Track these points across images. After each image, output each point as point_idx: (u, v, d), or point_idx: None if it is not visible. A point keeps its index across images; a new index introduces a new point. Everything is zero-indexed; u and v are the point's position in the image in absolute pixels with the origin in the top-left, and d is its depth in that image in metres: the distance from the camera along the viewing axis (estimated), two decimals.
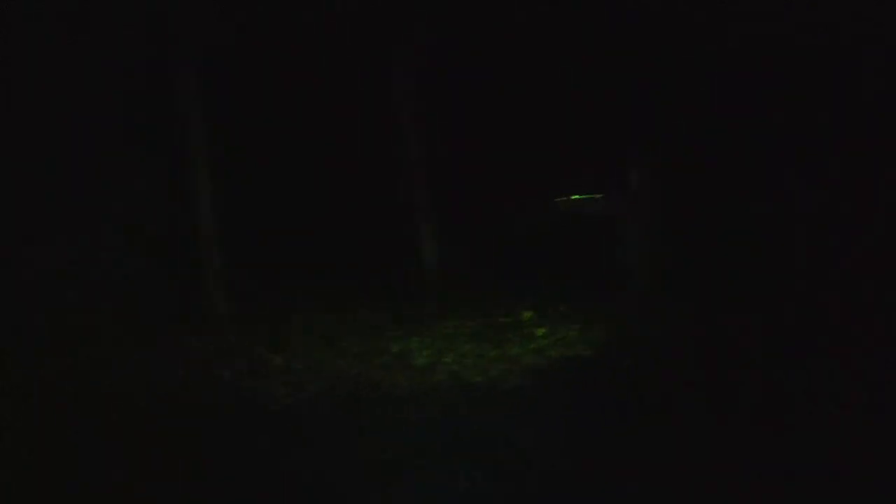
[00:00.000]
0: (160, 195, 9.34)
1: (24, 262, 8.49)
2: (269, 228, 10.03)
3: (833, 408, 4.30)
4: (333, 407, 5.28)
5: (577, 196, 5.75)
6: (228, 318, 8.66)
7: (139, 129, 9.23)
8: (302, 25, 9.62)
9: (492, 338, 6.92)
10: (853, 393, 4.47)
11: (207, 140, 8.92)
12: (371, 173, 10.26)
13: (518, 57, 9.53)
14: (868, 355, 4.91)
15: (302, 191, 10.10)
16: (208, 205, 8.96)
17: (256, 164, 10.06)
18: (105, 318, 8.16)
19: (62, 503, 3.89)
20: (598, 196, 5.75)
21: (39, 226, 8.72)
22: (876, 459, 3.39)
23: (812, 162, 7.52)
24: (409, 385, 5.76)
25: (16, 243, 8.50)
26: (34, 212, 8.69)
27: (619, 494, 3.55)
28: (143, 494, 3.90)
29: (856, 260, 6.58)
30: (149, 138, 9.25)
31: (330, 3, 9.49)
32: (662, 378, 5.13)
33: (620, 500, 3.51)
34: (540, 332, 6.99)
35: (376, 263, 9.77)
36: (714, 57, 8.11)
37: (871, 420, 3.97)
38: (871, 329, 5.35)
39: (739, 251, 7.28)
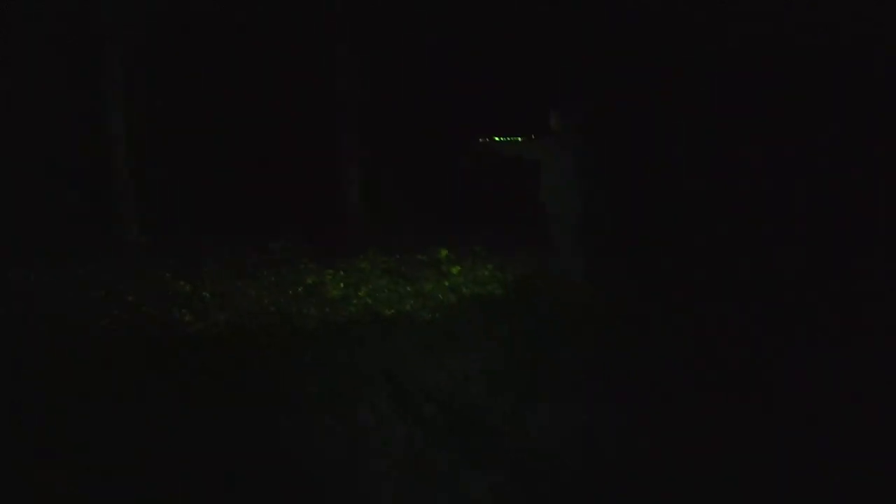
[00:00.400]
0: (78, 126, 8.92)
1: None
2: (190, 159, 9.70)
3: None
4: (240, 337, 5.20)
5: (499, 138, 5.70)
6: (139, 245, 8.40)
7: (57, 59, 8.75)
8: None
9: (407, 274, 6.94)
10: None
11: (126, 72, 8.53)
12: (300, 112, 9.99)
13: None
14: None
15: (229, 124, 9.77)
16: (120, 128, 8.61)
17: (178, 93, 9.65)
18: (16, 240, 7.79)
19: None
20: (519, 138, 5.73)
21: None
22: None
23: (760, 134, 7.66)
24: (320, 317, 5.73)
25: None
26: None
27: (513, 431, 3.63)
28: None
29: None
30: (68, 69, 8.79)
31: None
32: (567, 319, 5.25)
33: (510, 438, 3.58)
34: (454, 269, 7.04)
35: (298, 199, 9.59)
36: None
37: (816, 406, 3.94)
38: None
39: (662, 218, 7.42)
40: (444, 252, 7.45)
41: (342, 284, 6.62)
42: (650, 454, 3.30)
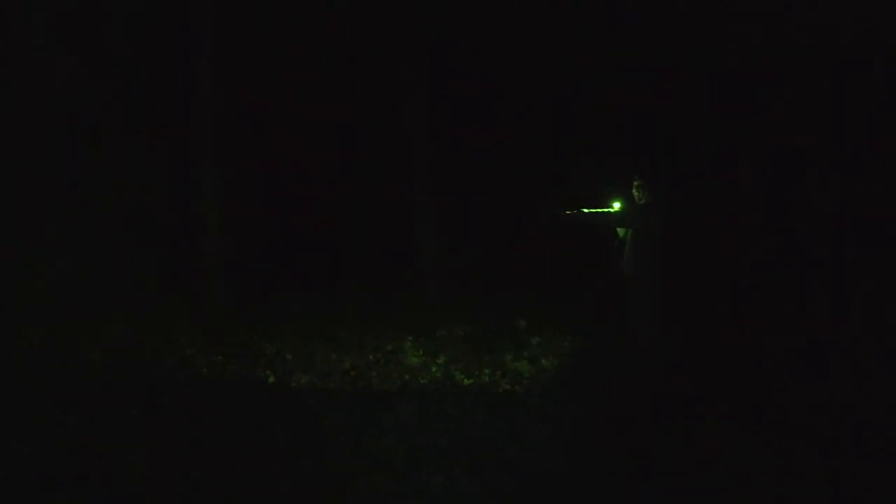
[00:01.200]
0: (165, 185, 9.39)
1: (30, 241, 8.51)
2: (272, 221, 10.06)
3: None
4: (321, 398, 5.25)
5: (587, 209, 5.70)
6: (225, 306, 8.68)
7: (145, 117, 9.29)
8: (310, 24, 9.69)
9: (486, 343, 6.90)
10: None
11: (215, 129, 8.99)
12: (377, 172, 10.29)
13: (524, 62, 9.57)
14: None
15: (308, 186, 10.13)
16: (211, 193, 9.02)
17: (262, 157, 10.10)
18: (105, 299, 8.19)
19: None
20: (610, 209, 5.70)
21: (45, 212, 8.74)
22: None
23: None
24: (400, 383, 5.74)
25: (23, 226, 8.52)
26: (42, 199, 8.70)
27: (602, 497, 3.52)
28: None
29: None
30: (156, 128, 9.31)
31: (338, 4, 9.56)
32: (655, 391, 5.11)
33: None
34: (534, 340, 6.97)
35: (377, 261, 9.77)
36: (715, 57, 8.12)
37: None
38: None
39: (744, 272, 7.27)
40: (522, 322, 7.40)
41: (421, 351, 6.63)
42: None
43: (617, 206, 5.59)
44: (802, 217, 7.66)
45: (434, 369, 6.11)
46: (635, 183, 5.60)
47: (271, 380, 5.79)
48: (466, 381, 5.78)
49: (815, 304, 6.73)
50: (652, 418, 4.66)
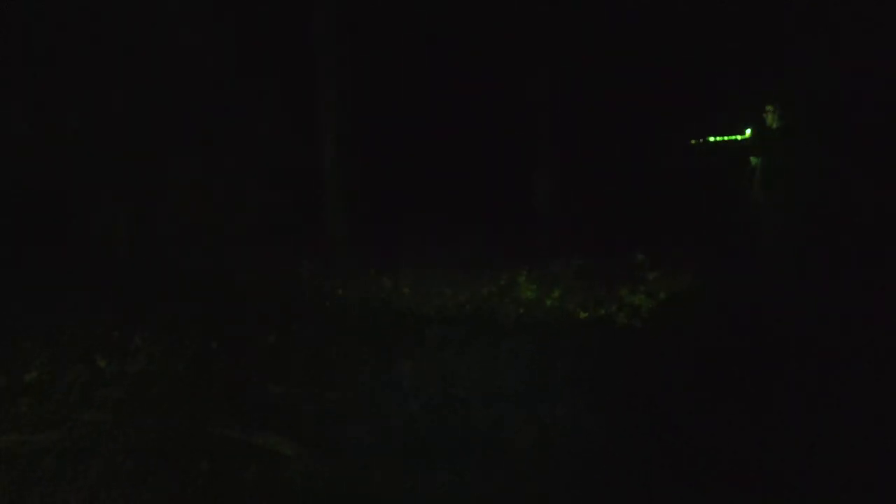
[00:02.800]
0: (289, 131, 9.65)
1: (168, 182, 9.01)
2: (389, 159, 10.19)
3: None
4: (440, 330, 5.37)
5: (713, 138, 5.43)
6: (346, 241, 8.97)
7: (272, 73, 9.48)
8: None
9: (602, 277, 6.81)
10: None
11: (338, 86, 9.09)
12: (494, 108, 10.16)
13: None
14: None
15: (427, 125, 10.15)
16: (335, 135, 9.20)
17: (382, 102, 10.15)
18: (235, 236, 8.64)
19: None
20: (737, 137, 5.40)
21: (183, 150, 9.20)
22: None
23: None
24: (515, 316, 5.78)
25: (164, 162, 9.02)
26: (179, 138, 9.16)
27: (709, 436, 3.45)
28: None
29: None
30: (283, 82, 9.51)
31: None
32: (769, 336, 4.87)
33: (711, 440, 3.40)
34: (652, 275, 6.80)
35: (491, 201, 9.75)
36: None
37: None
38: None
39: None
40: (640, 257, 7.23)
41: (535, 286, 6.63)
42: None
43: (748, 133, 5.29)
44: None
45: (549, 303, 6.11)
46: (768, 108, 5.26)
47: (388, 316, 5.97)
48: (582, 315, 5.75)
49: None
50: (771, 353, 4.46)
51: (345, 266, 7.69)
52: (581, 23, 9.35)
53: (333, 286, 6.87)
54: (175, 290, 6.35)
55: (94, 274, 6.62)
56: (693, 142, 5.23)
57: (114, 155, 7.94)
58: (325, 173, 9.17)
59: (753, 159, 5.36)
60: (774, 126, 5.21)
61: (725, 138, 5.26)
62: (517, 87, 9.52)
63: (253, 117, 9.48)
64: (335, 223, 9.12)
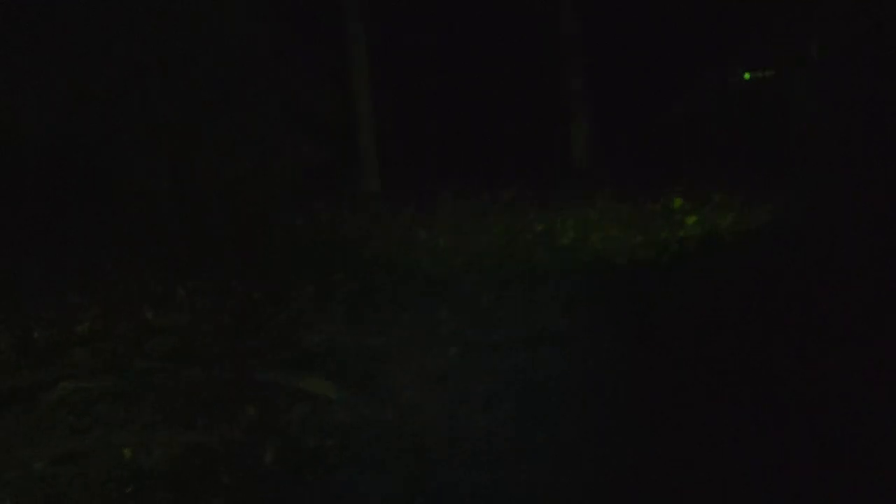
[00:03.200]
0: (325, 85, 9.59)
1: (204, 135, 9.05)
2: (425, 113, 10.12)
3: None
4: (476, 278, 5.40)
5: (749, 74, 5.27)
6: (380, 195, 9.01)
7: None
8: None
9: (640, 223, 6.74)
10: None
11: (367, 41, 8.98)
12: (526, 55, 9.99)
13: None
14: None
15: (461, 77, 10.03)
16: (364, 82, 9.17)
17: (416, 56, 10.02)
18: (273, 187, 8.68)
19: None
20: (770, 72, 5.25)
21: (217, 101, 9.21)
22: None
23: None
24: (551, 262, 5.77)
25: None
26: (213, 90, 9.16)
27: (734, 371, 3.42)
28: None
29: None
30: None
31: None
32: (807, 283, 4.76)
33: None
34: (690, 220, 6.70)
35: (525, 146, 9.66)
36: None
37: None
38: None
39: None
40: (678, 201, 7.13)
41: (572, 233, 6.60)
42: None
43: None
44: None
45: (586, 249, 6.08)
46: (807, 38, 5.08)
47: (427, 262, 6.02)
48: (620, 260, 5.72)
49: None
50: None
51: (381, 217, 7.72)
52: None
53: (370, 234, 6.92)
54: (218, 242, 6.45)
55: (137, 228, 6.77)
56: (729, 78, 5.09)
57: (151, 111, 8.02)
58: (359, 127, 9.17)
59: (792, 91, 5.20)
60: (815, 60, 5.04)
61: (763, 71, 5.10)
62: (550, 29, 9.32)
63: (286, 70, 9.46)
64: (369, 177, 9.15)
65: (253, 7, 8.68)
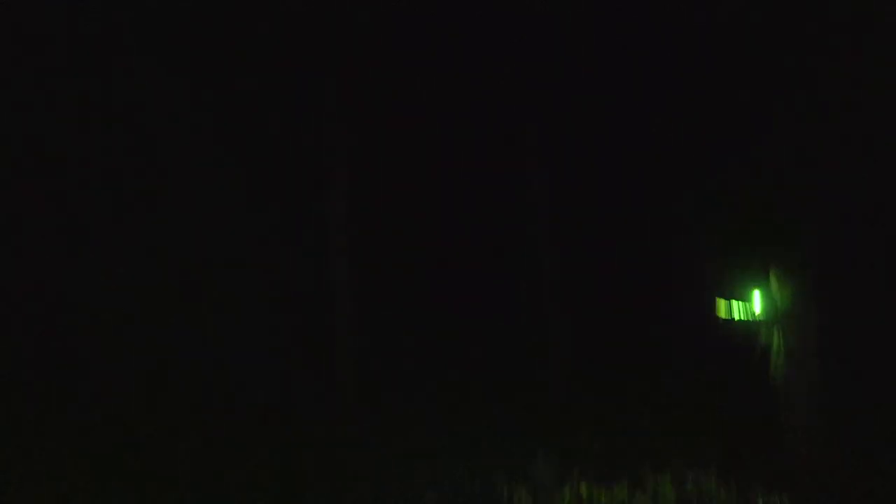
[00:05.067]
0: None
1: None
2: (403, 318, 9.96)
3: None
4: None
5: (736, 317, 5.29)
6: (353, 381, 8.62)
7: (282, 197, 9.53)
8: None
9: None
10: None
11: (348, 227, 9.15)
12: (505, 277, 10.14)
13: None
14: None
15: (437, 280, 10.03)
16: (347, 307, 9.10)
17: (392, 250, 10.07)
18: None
19: None
20: (752, 310, 5.28)
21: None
22: None
23: None
24: None
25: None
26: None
27: None
28: None
29: None
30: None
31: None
32: None
33: None
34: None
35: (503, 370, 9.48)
36: None
37: None
38: None
39: None
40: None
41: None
42: None
43: (756, 295, 5.18)
44: None
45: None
46: (772, 272, 5.17)
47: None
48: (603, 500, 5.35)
49: None
50: None
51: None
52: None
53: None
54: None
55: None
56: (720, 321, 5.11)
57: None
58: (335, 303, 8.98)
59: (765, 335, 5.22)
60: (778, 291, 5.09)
61: (746, 319, 5.14)
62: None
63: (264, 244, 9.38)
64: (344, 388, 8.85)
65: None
